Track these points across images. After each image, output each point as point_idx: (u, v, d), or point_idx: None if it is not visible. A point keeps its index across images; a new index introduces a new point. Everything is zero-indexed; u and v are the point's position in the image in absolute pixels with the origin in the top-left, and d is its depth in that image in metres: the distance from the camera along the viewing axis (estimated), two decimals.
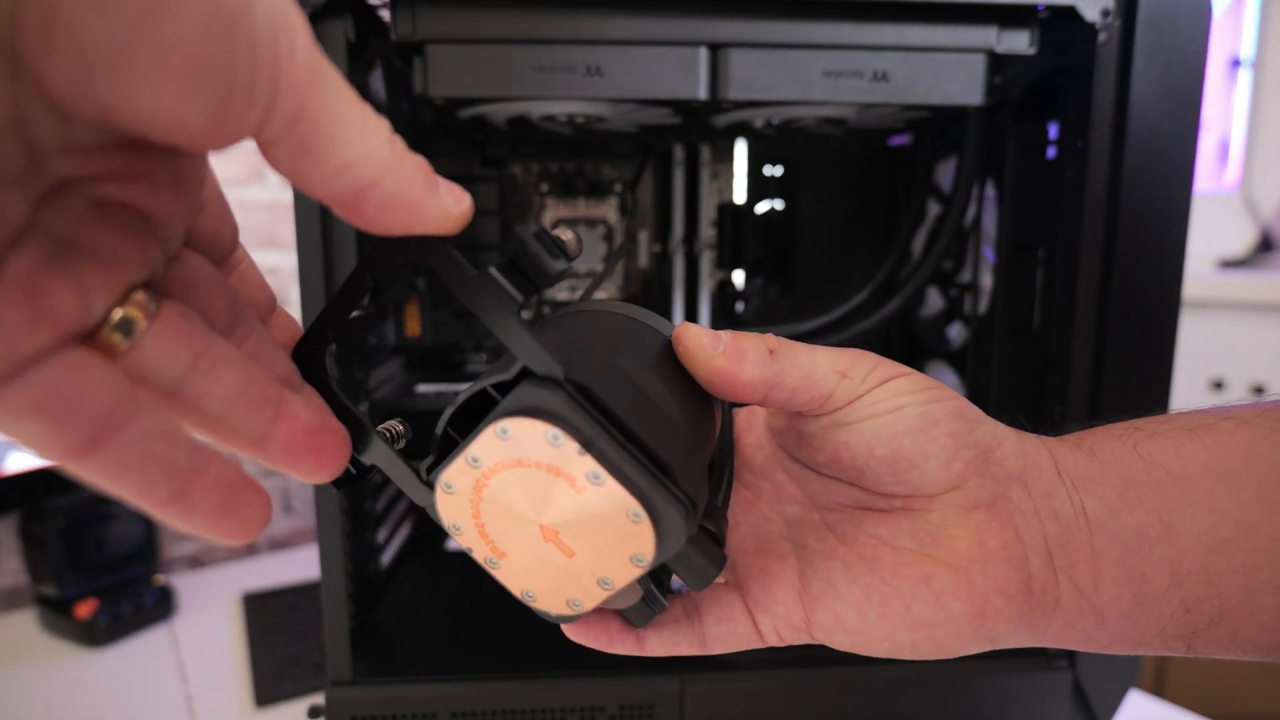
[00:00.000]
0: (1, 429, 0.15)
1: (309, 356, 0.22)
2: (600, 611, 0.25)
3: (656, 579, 0.24)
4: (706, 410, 0.26)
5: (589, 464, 0.20)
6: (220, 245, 0.20)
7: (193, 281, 0.19)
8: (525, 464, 0.20)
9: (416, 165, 0.18)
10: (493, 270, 0.20)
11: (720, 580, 0.26)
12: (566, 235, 0.21)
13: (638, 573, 0.21)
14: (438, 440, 0.22)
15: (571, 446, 0.19)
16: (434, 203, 0.18)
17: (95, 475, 0.16)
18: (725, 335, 0.24)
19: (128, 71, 0.13)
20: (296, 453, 0.19)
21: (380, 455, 0.22)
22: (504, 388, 0.21)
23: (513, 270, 0.20)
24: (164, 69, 0.13)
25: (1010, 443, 0.25)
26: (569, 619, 0.23)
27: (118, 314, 0.16)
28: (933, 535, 0.24)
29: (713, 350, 0.24)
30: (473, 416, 0.21)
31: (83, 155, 0.15)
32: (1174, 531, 0.23)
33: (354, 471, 0.23)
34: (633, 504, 0.20)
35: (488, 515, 0.21)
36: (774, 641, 0.25)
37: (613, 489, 0.20)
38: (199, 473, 0.17)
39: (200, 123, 0.14)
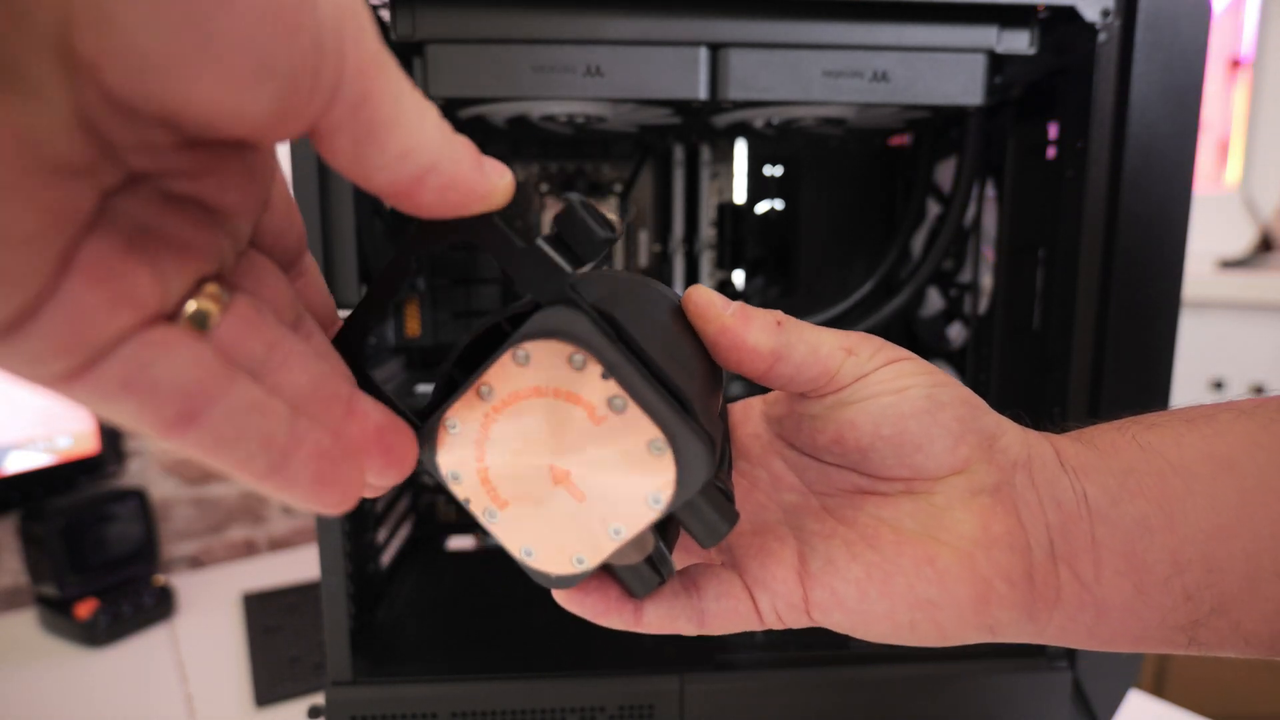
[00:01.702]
0: (97, 411, 0.15)
1: (349, 345, 0.21)
2: (599, 578, 0.24)
3: (663, 540, 0.23)
4: (715, 378, 0.25)
5: (611, 389, 0.19)
6: (286, 246, 0.20)
7: (259, 280, 0.19)
8: (543, 392, 0.19)
9: (465, 145, 0.18)
10: (540, 242, 0.19)
11: (717, 561, 0.26)
12: (609, 212, 0.20)
13: (653, 517, 0.20)
14: (441, 383, 0.21)
15: (594, 370, 0.19)
16: (483, 180, 0.18)
17: (195, 449, 0.16)
18: (734, 302, 0.25)
19: (186, 71, 0.13)
20: (368, 452, 0.19)
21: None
22: (519, 321, 0.20)
23: (558, 244, 0.20)
24: (222, 67, 0.13)
25: (1013, 433, 0.25)
26: (570, 580, 0.22)
27: (191, 306, 0.16)
28: (936, 517, 0.24)
29: (723, 309, 0.24)
30: (478, 361, 0.20)
31: (155, 152, 0.15)
32: (1175, 519, 0.23)
33: None
34: (655, 433, 0.19)
35: (493, 457, 0.20)
36: (773, 622, 0.25)
37: (635, 417, 0.19)
38: (297, 444, 0.17)
39: (263, 115, 0.14)
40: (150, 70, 0.13)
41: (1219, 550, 0.23)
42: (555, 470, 0.20)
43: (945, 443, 0.24)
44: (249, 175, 0.17)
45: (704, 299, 0.24)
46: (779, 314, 0.25)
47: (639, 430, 0.19)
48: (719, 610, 0.25)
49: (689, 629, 0.25)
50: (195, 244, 0.16)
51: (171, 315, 0.16)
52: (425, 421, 0.21)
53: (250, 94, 0.14)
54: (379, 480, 0.20)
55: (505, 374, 0.19)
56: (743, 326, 0.24)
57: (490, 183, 0.18)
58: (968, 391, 0.25)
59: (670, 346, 0.22)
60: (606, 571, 0.24)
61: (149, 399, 0.15)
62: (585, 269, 0.20)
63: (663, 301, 0.25)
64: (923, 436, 0.24)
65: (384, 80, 0.15)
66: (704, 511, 0.21)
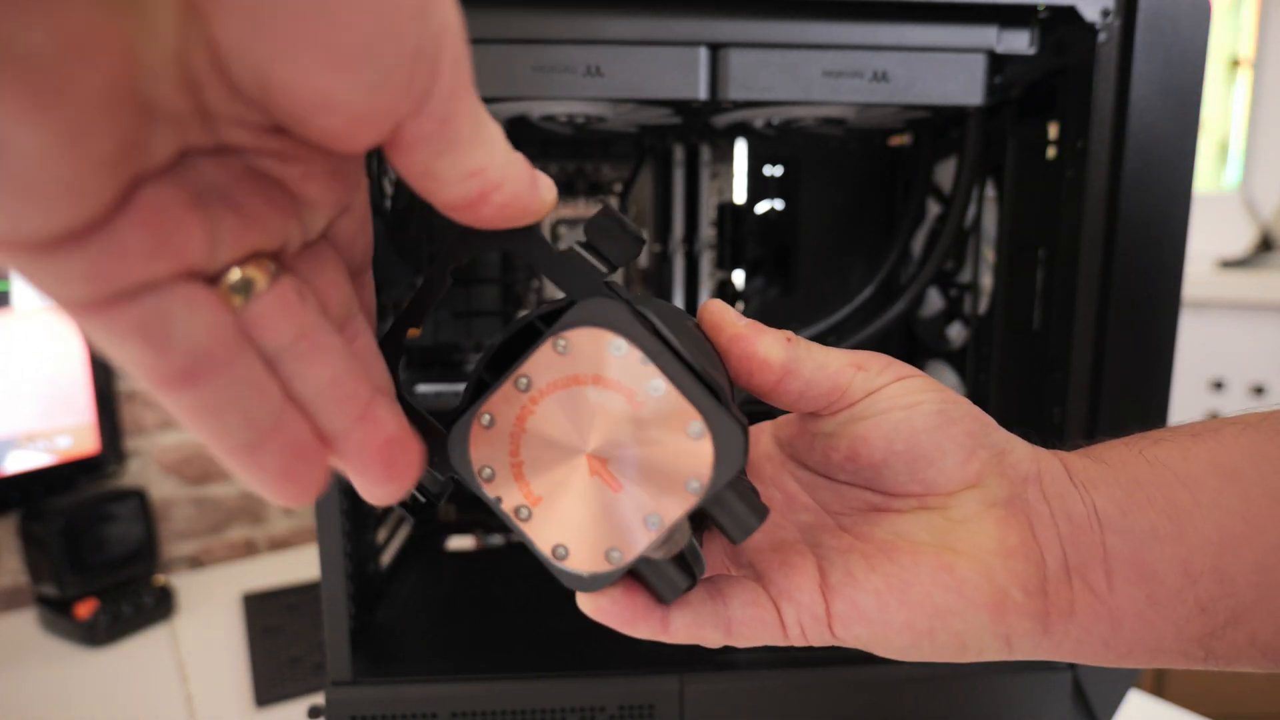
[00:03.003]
0: (102, 347, 0.16)
1: (387, 353, 0.22)
2: (625, 586, 0.23)
3: (694, 536, 0.24)
4: (733, 391, 0.26)
5: (651, 374, 0.20)
6: (353, 256, 0.21)
7: (319, 270, 0.19)
8: (582, 380, 0.20)
9: (523, 163, 0.19)
10: (576, 247, 0.21)
11: (739, 573, 0.26)
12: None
13: (691, 503, 0.20)
14: (471, 386, 0.22)
15: (634, 356, 0.20)
16: (537, 196, 0.19)
17: (179, 409, 0.16)
18: (747, 318, 0.26)
19: (293, 37, 0.14)
20: (367, 459, 0.19)
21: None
22: (551, 321, 0.21)
23: (591, 249, 0.21)
24: (330, 40, 0.14)
25: (1022, 448, 0.25)
26: (603, 579, 0.22)
27: (235, 274, 0.16)
28: (952, 530, 0.24)
29: (736, 320, 0.25)
30: (507, 364, 0.21)
31: (250, 130, 0.15)
32: (1183, 530, 0.24)
33: (422, 500, 0.22)
34: (694, 417, 0.20)
35: (528, 451, 0.21)
36: (796, 637, 0.25)
37: (674, 401, 0.20)
38: (277, 432, 0.17)
39: (352, 106, 0.15)
40: (262, 27, 0.13)
41: (1230, 561, 0.23)
42: (591, 460, 0.21)
43: (958, 457, 0.24)
44: (335, 174, 0.18)
45: (720, 309, 0.25)
46: (789, 333, 0.25)
47: (678, 415, 0.20)
48: (745, 618, 0.24)
49: (716, 637, 0.24)
50: (262, 218, 0.17)
51: (212, 277, 0.16)
52: (457, 420, 0.21)
53: (347, 79, 0.14)
54: (372, 491, 0.20)
55: (544, 364, 0.20)
56: (754, 336, 0.25)
57: (541, 197, 0.19)
58: (977, 409, 0.25)
59: (697, 349, 0.22)
60: (634, 578, 0.24)
61: (158, 350, 0.15)
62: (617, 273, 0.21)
63: (680, 317, 0.25)
64: (935, 451, 0.24)
65: (469, 104, 0.17)
66: (734, 506, 0.21)
